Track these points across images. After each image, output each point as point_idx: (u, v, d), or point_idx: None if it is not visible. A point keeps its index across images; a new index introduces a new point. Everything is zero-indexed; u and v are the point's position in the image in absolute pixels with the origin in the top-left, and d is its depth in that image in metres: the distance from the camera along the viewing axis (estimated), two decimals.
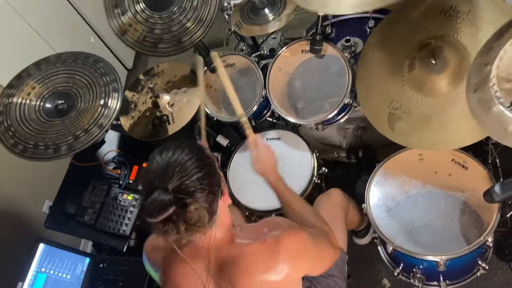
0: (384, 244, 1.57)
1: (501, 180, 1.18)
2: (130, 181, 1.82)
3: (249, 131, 1.42)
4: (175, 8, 1.59)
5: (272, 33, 1.95)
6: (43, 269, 1.68)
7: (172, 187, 0.92)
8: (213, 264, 1.04)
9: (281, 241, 1.02)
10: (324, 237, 1.17)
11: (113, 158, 1.88)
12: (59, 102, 1.62)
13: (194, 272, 1.04)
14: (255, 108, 1.79)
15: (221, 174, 1.05)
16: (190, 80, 1.86)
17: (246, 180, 1.79)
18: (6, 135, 1.59)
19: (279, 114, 1.76)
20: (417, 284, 1.51)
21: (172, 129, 1.77)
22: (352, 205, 1.69)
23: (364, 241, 1.96)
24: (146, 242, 1.20)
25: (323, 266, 1.17)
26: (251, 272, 1.01)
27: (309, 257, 1.09)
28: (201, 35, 1.57)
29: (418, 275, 1.50)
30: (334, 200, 1.59)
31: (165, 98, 1.83)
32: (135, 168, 1.84)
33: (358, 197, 1.70)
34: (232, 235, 1.07)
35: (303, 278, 1.15)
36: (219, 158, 1.07)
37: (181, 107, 1.80)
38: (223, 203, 1.03)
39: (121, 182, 1.81)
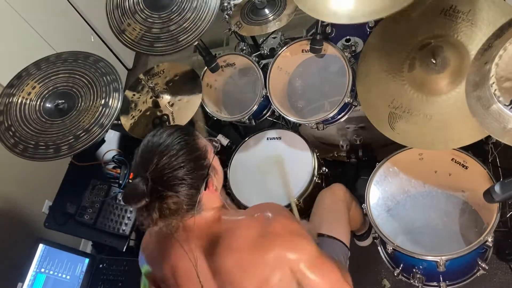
0: (384, 244, 1.56)
1: (501, 179, 1.18)
2: (130, 181, 1.82)
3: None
4: (174, 8, 1.59)
5: (272, 33, 1.95)
6: (42, 270, 1.68)
7: (152, 177, 0.93)
8: (204, 243, 1.03)
9: (274, 218, 1.01)
10: (337, 267, 1.08)
11: (113, 157, 1.88)
12: (60, 101, 1.62)
13: (185, 253, 1.04)
14: (255, 107, 1.79)
15: (216, 161, 1.05)
16: (191, 80, 1.86)
17: (246, 180, 1.79)
18: (6, 134, 1.59)
19: (279, 114, 1.76)
20: (417, 285, 1.51)
21: None
22: (354, 203, 1.69)
23: (366, 243, 1.95)
24: (143, 237, 1.21)
25: (325, 268, 1.06)
26: (242, 246, 0.99)
27: (306, 249, 1.02)
28: (198, 35, 1.57)
29: (418, 276, 1.50)
30: (336, 194, 1.59)
31: (166, 98, 1.83)
32: None
33: (358, 198, 1.70)
34: (224, 213, 1.07)
35: None
36: (217, 144, 1.08)
37: (181, 107, 1.80)
38: (209, 193, 1.02)
39: (121, 182, 1.81)
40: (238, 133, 2.25)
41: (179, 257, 1.06)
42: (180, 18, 1.58)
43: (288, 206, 1.63)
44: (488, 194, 1.18)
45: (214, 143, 1.09)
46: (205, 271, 1.03)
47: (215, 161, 1.05)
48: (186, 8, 1.59)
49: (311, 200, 1.66)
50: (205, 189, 1.00)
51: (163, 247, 1.10)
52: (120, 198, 1.80)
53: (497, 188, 1.15)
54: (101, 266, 1.84)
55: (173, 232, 1.03)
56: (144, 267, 1.19)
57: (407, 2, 1.21)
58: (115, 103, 1.60)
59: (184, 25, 1.57)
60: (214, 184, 1.04)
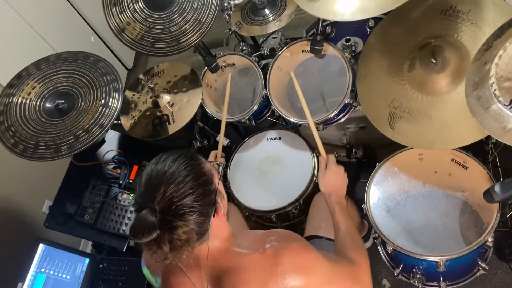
0: (384, 244, 1.56)
1: (501, 179, 1.18)
2: (130, 181, 1.82)
3: (323, 151, 1.43)
4: (175, 9, 1.59)
5: (273, 33, 1.95)
6: (42, 270, 1.68)
7: (160, 208, 0.89)
8: (211, 274, 1.00)
9: (281, 253, 0.96)
10: (347, 266, 1.10)
11: (113, 157, 1.88)
12: (59, 101, 1.62)
13: (192, 284, 1.01)
14: (255, 108, 1.79)
15: (221, 186, 1.01)
16: (190, 80, 1.86)
17: (246, 180, 1.79)
18: (6, 134, 1.59)
19: (279, 114, 1.76)
20: (417, 285, 1.51)
21: (172, 128, 1.77)
22: (350, 205, 1.68)
23: (365, 246, 1.94)
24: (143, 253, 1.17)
25: None
26: (249, 284, 0.96)
27: (314, 277, 0.99)
28: (199, 36, 1.57)
29: (418, 276, 1.50)
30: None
31: (165, 98, 1.83)
32: (135, 167, 1.84)
33: (358, 198, 1.70)
34: (231, 244, 1.02)
35: None
36: (221, 169, 1.04)
37: (181, 107, 1.80)
38: (217, 220, 0.99)
39: (121, 182, 1.81)
40: (238, 133, 2.25)
41: (183, 286, 1.02)
42: (181, 19, 1.59)
43: (292, 203, 1.63)
44: (488, 194, 1.18)
45: (217, 165, 1.05)
46: None
47: (220, 186, 1.02)
48: (186, 9, 1.59)
49: (311, 200, 1.66)
50: (213, 216, 0.97)
51: (168, 277, 1.06)
52: (120, 198, 1.80)
53: (497, 188, 1.15)
54: (101, 266, 1.84)
55: (183, 264, 0.99)
56: (148, 275, 1.17)
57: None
58: (115, 103, 1.60)
59: (185, 26, 1.58)
60: (222, 210, 1.01)
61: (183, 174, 0.92)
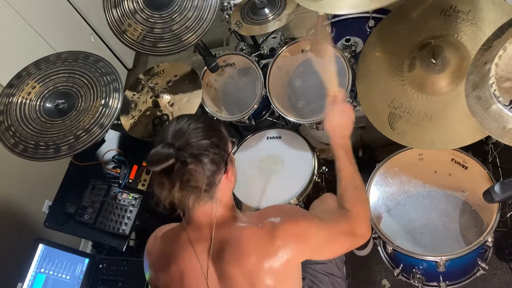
0: (384, 244, 1.56)
1: (501, 180, 1.18)
2: (130, 181, 1.82)
3: (335, 83, 1.31)
4: (176, 7, 1.59)
5: (272, 32, 1.95)
6: (42, 270, 1.68)
7: (178, 145, 0.95)
8: (214, 245, 1.03)
9: (279, 227, 1.01)
10: (344, 222, 1.11)
11: (113, 157, 1.88)
12: (60, 101, 1.61)
13: (195, 255, 1.04)
14: (255, 107, 1.79)
15: (233, 157, 1.06)
16: (190, 80, 1.86)
17: (246, 180, 1.79)
18: (6, 134, 1.58)
19: (279, 114, 1.76)
20: (417, 285, 1.51)
21: None
22: None
23: (364, 252, 1.93)
24: (148, 241, 1.19)
25: (331, 251, 1.12)
26: (248, 256, 0.99)
27: (312, 242, 1.04)
28: (201, 33, 1.56)
29: (418, 276, 1.50)
30: (327, 203, 1.58)
31: (166, 98, 1.83)
32: (135, 167, 1.84)
33: None
34: (233, 216, 1.07)
35: (304, 278, 1.14)
36: (235, 142, 1.10)
37: (182, 107, 1.80)
38: (226, 181, 1.03)
39: (120, 182, 1.81)
40: (238, 133, 2.25)
41: (188, 259, 1.05)
42: (182, 17, 1.58)
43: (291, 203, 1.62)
44: (488, 194, 1.18)
45: (232, 141, 1.09)
46: (212, 276, 1.03)
47: (233, 158, 1.07)
48: (187, 7, 1.58)
49: (311, 199, 1.66)
50: (224, 173, 1.01)
51: (173, 248, 1.09)
52: (120, 198, 1.80)
53: (497, 188, 1.15)
54: (101, 266, 1.84)
55: (186, 226, 1.05)
56: (148, 274, 1.18)
57: None
58: (115, 103, 1.60)
59: (187, 24, 1.57)
60: (232, 174, 1.05)
61: (202, 125, 1.00)
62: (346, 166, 1.19)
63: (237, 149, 1.89)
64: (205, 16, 1.56)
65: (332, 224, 1.10)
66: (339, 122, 1.23)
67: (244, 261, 0.99)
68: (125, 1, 1.65)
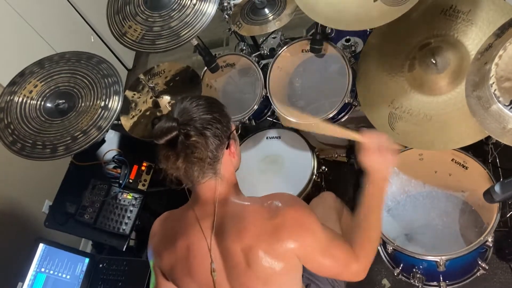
0: (384, 244, 1.56)
1: (501, 180, 1.18)
2: (130, 180, 1.82)
3: (357, 135, 1.18)
4: (175, 6, 1.59)
5: (272, 32, 1.95)
6: (42, 269, 1.68)
7: (181, 120, 1.00)
8: (217, 221, 1.06)
9: (283, 209, 1.02)
10: (346, 251, 1.06)
11: (113, 157, 1.88)
12: (60, 101, 1.61)
13: (201, 230, 1.06)
14: (255, 107, 1.79)
15: (235, 135, 1.11)
16: (191, 80, 1.86)
17: (245, 179, 1.78)
18: (5, 132, 1.58)
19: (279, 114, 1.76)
20: (417, 284, 1.51)
21: None
22: (345, 210, 1.67)
23: None
24: (152, 228, 1.20)
25: (319, 264, 1.05)
26: (247, 231, 1.01)
27: (311, 238, 1.01)
28: (199, 29, 1.56)
29: (418, 275, 1.50)
30: (327, 202, 1.58)
31: (166, 98, 1.83)
32: (135, 167, 1.84)
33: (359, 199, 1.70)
34: (237, 194, 1.10)
35: (302, 276, 1.14)
36: (238, 125, 1.15)
37: None
38: (229, 157, 1.08)
39: (121, 182, 1.81)
40: (238, 133, 2.24)
41: (194, 235, 1.07)
42: (180, 14, 1.58)
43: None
44: (488, 194, 1.18)
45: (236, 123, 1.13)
46: (215, 251, 1.06)
47: (235, 136, 1.11)
48: (186, 4, 1.58)
49: (310, 199, 1.66)
50: (227, 148, 1.05)
51: (180, 225, 1.12)
52: (120, 198, 1.80)
53: (497, 188, 1.15)
54: (101, 266, 1.84)
55: (192, 204, 1.09)
56: (151, 261, 1.19)
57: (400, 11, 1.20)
58: (115, 105, 1.59)
59: (186, 19, 1.57)
60: (235, 150, 1.09)
61: (204, 103, 1.05)
62: (373, 205, 1.14)
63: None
64: (204, 11, 1.55)
65: (335, 242, 1.06)
66: (381, 166, 1.15)
67: (243, 236, 1.01)
68: (128, 6, 1.65)
